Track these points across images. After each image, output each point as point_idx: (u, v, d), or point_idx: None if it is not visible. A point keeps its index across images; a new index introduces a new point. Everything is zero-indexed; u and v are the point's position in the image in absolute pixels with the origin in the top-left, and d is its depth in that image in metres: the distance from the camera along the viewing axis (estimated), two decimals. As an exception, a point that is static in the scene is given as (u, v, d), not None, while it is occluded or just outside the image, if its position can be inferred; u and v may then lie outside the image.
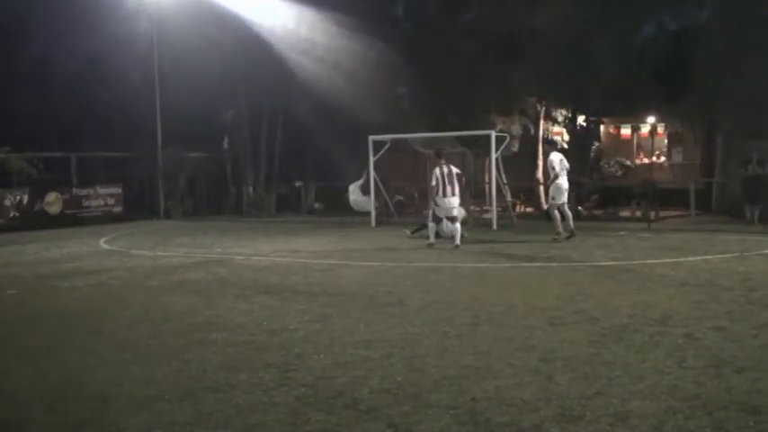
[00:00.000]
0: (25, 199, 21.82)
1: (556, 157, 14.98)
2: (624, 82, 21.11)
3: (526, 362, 5.95)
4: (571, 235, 14.83)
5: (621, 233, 16.54)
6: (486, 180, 21.89)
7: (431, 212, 14.78)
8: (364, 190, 19.96)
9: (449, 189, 14.28)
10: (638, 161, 27.48)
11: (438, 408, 4.91)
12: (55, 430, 4.83)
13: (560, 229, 14.90)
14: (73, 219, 22.57)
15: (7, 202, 21.35)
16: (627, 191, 22.23)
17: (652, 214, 19.30)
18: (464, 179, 15.30)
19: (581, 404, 4.89)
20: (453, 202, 14.39)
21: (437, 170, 14.41)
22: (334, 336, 7.04)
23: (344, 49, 22.60)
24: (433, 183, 14.37)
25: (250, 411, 4.97)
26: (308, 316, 8.01)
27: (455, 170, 14.62)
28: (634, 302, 8.27)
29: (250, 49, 23.26)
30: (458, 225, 14.45)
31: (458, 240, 14.18)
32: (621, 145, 27.72)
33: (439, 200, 14.35)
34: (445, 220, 14.48)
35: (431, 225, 14.66)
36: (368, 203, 19.96)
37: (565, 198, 15.10)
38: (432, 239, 14.52)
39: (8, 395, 5.60)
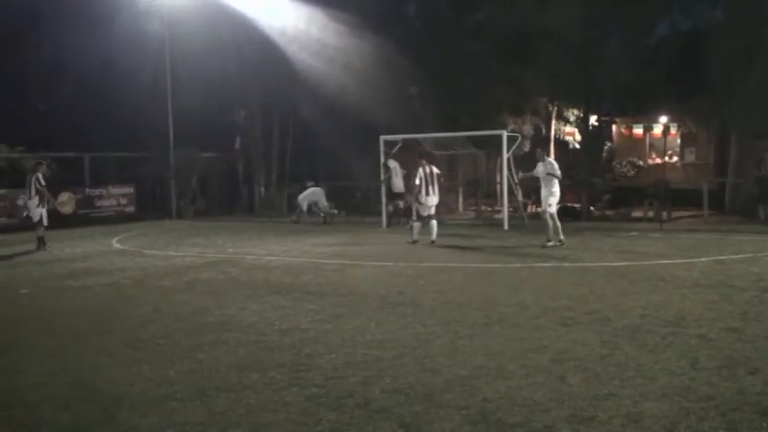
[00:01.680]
0: (38, 199, 21.89)
1: (555, 162, 14.19)
2: (637, 81, 21.03)
3: (538, 362, 5.94)
4: (561, 243, 13.79)
5: (634, 233, 16.47)
6: (498, 180, 21.85)
7: (414, 211, 15.33)
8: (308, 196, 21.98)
9: (430, 189, 14.98)
10: (650, 161, 27.36)
11: (449, 408, 4.90)
12: (67, 429, 4.84)
13: (557, 235, 13.77)
14: (85, 218, 22.65)
15: (20, 202, 21.43)
16: (639, 191, 22.07)
17: (664, 214, 19.18)
18: (442, 179, 15.98)
19: (593, 405, 4.88)
20: (432, 201, 15.06)
21: (420, 170, 15.01)
22: (346, 336, 7.04)
23: (355, 49, 22.61)
24: (417, 182, 14.98)
25: (261, 411, 4.98)
26: (319, 316, 8.02)
27: (436, 171, 15.25)
28: (646, 303, 8.23)
29: (262, 50, 23.31)
30: (434, 222, 15.10)
31: (434, 236, 14.88)
32: (634, 145, 27.62)
33: (422, 198, 14.97)
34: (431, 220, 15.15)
35: (415, 224, 15.23)
36: (310, 196, 21.75)
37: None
38: (415, 237, 15.10)
39: (20, 394, 5.62)
